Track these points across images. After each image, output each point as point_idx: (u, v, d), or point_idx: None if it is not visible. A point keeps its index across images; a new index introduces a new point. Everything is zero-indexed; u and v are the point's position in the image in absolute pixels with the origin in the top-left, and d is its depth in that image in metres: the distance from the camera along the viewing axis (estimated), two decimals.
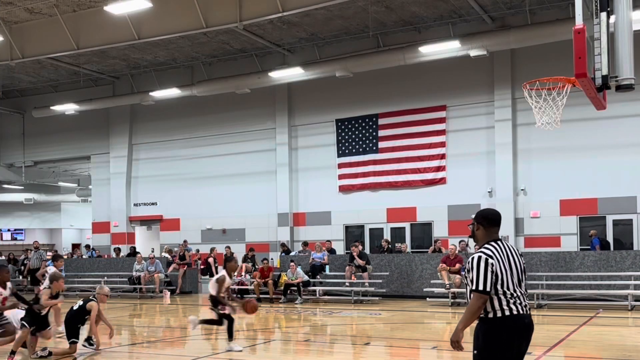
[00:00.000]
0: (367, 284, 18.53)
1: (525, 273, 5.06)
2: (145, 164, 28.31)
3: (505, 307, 4.79)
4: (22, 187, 36.52)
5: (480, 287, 4.76)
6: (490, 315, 4.83)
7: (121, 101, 26.99)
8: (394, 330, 13.22)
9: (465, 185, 21.95)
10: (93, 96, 27.74)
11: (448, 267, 17.26)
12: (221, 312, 10.36)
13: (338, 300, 19.03)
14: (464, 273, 4.70)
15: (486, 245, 4.92)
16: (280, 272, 19.81)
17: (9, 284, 10.22)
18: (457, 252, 17.70)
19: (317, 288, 19.42)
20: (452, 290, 16.97)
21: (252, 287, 19.99)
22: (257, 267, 20.92)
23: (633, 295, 15.44)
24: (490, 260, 4.79)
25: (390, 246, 21.41)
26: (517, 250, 5.06)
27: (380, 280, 18.51)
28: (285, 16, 19.25)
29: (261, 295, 19.60)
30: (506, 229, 21.19)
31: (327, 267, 19.99)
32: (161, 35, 20.48)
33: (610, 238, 20.25)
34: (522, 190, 21.32)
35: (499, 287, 4.79)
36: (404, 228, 23.32)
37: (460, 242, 19.21)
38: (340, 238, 24.02)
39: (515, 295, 4.84)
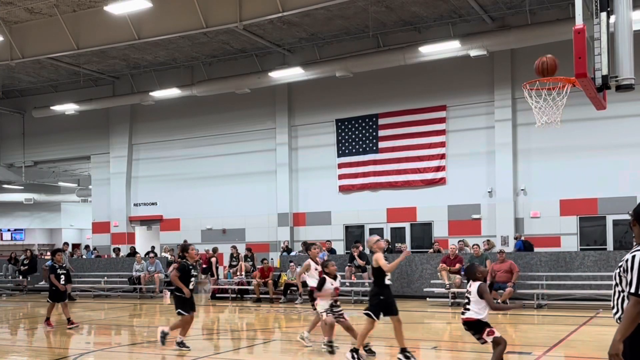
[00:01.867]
0: (367, 284, 18.52)
1: None
2: (145, 164, 28.30)
3: None
4: (22, 187, 36.51)
5: None
6: None
7: (121, 101, 26.98)
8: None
9: (465, 185, 21.95)
10: (93, 96, 27.72)
11: (448, 267, 17.28)
12: None
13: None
14: (617, 271, 3.96)
15: None
16: (280, 272, 19.82)
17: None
18: (456, 252, 17.72)
19: None
20: (452, 290, 16.99)
21: (252, 287, 20.00)
22: (256, 267, 20.92)
23: None
24: None
25: (390, 246, 21.40)
26: None
27: None
28: (285, 16, 19.25)
29: (261, 295, 19.62)
30: (506, 229, 21.22)
31: None
32: (161, 35, 20.48)
33: (610, 238, 20.27)
34: (522, 190, 21.31)
35: None
36: (404, 228, 23.32)
37: (458, 242, 19.22)
38: (340, 238, 24.01)
39: None
